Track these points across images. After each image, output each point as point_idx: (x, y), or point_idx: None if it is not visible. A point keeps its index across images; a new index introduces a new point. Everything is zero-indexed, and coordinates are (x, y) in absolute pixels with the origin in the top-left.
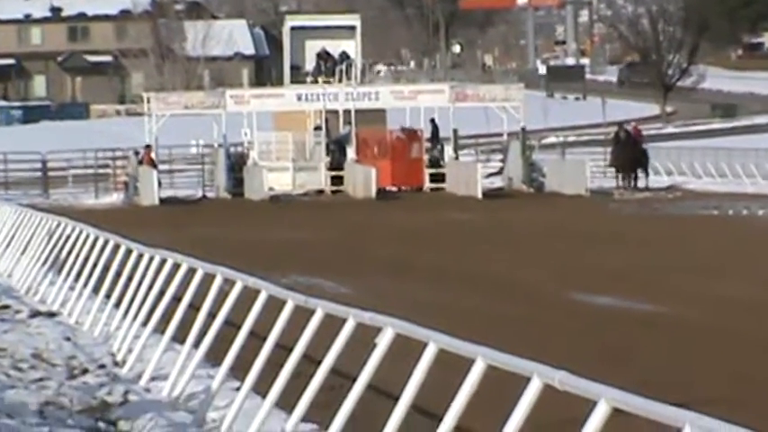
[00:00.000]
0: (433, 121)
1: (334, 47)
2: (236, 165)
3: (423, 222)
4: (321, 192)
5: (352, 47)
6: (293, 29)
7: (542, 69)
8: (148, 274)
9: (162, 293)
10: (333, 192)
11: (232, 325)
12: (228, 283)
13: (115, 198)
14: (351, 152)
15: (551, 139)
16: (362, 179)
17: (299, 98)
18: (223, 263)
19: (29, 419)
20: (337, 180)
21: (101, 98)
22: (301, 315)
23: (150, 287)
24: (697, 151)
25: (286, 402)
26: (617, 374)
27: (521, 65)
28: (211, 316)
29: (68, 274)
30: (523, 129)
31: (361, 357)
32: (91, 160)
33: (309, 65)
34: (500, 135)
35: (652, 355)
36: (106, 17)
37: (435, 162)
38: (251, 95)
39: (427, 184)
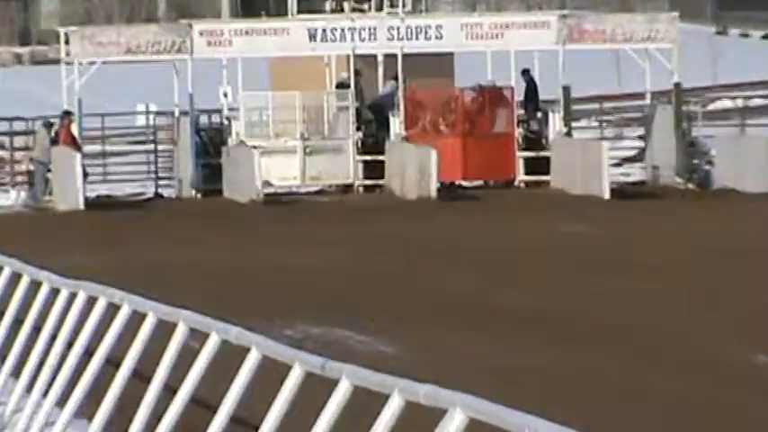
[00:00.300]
0: (528, 73)
1: None
2: (211, 145)
3: (511, 240)
4: (348, 188)
5: None
6: None
7: None
8: (68, 321)
9: (90, 354)
10: (367, 188)
11: (204, 405)
12: (198, 337)
13: (13, 198)
14: (397, 124)
15: (724, 104)
16: (416, 168)
17: (313, 37)
18: (189, 304)
19: None
20: (374, 169)
21: None
22: (317, 387)
23: (70, 343)
24: None
25: None
26: None
27: None
28: (171, 391)
29: None
30: (678, 86)
31: None
32: None
33: None
34: (640, 96)
35: None
36: None
37: (534, 140)
38: (234, 32)
39: (521, 176)
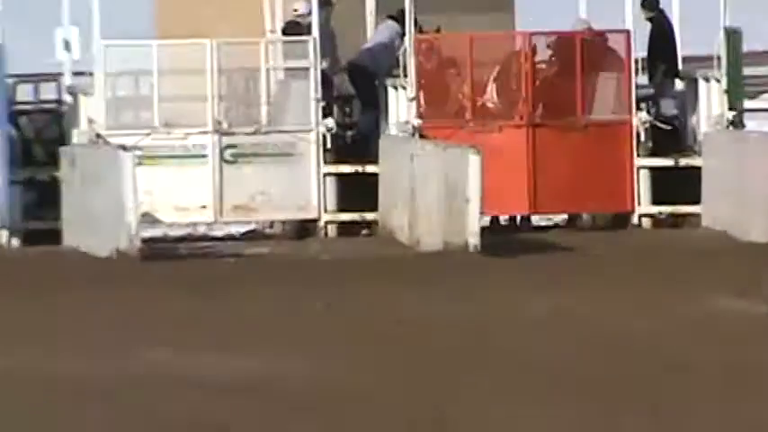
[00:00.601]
0: (656, 7)
1: None
2: (38, 143)
3: (634, 329)
4: (307, 227)
5: None
6: None
7: None
8: None
9: None
10: (344, 228)
11: None
12: None
13: None
14: (401, 103)
15: None
16: (440, 189)
17: None
18: None
19: None
20: (358, 191)
21: None
22: None
23: None
24: None
25: None
26: None
27: None
28: None
29: None
30: None
31: None
32: None
33: None
34: None
35: None
36: None
37: (669, 135)
38: None
39: (643, 207)
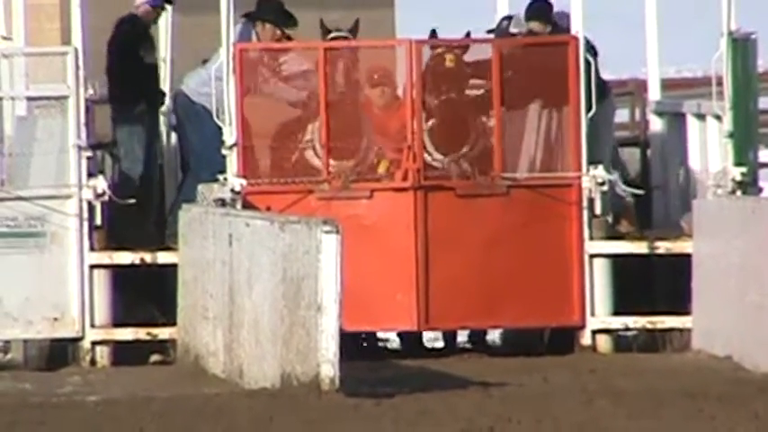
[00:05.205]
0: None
1: None
2: None
3: None
4: (63, 348)
5: None
6: None
7: None
8: None
9: None
10: (119, 348)
11: None
12: None
13: None
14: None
15: None
16: (275, 294)
17: None
18: None
19: None
20: (144, 296)
21: None
22: None
23: None
24: None
25: None
26: None
27: None
28: None
29: None
30: None
31: None
32: None
33: None
34: None
35: None
36: None
37: (642, 206)
38: None
39: (602, 318)
